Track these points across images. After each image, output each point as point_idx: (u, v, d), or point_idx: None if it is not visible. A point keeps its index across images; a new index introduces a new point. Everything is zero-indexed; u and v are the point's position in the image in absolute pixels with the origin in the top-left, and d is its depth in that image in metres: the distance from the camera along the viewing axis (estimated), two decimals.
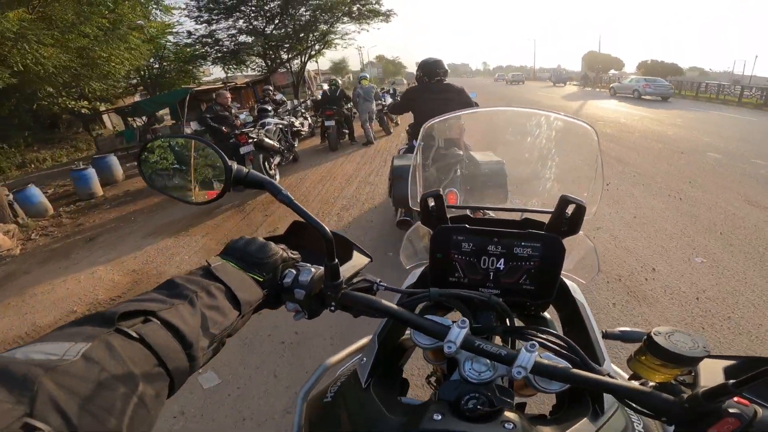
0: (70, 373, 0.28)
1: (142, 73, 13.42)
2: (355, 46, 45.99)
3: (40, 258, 4.20)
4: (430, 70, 3.51)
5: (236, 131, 5.34)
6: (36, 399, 0.25)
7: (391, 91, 10.46)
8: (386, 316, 0.54)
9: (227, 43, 16.15)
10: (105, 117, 14.93)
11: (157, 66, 14.18)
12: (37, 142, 12.41)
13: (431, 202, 0.65)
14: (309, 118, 9.73)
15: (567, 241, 0.61)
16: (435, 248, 0.64)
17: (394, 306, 0.53)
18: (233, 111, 6.01)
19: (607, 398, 0.52)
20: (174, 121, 12.30)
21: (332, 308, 0.55)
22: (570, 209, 0.63)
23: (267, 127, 6.18)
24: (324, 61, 61.36)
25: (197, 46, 15.43)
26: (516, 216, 0.74)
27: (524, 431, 0.44)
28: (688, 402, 0.40)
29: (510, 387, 0.58)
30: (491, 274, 0.63)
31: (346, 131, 8.57)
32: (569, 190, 0.66)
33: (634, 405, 0.44)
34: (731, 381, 0.36)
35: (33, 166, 10.92)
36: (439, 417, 0.46)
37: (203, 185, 0.62)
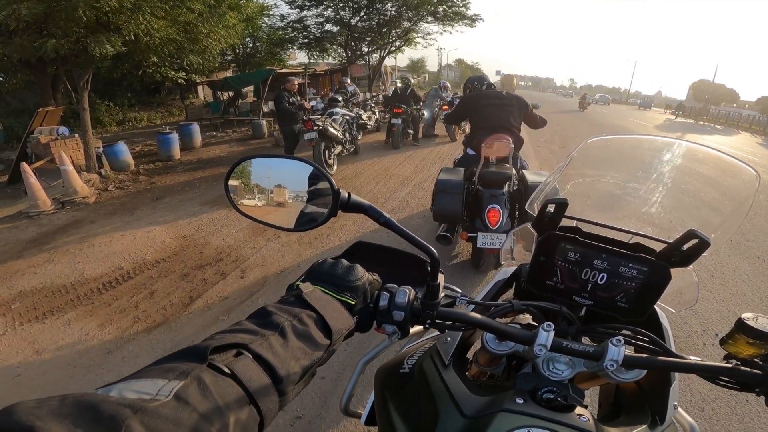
0: (159, 414, 0.27)
1: (237, 51, 14.44)
2: (436, 47, 45.51)
3: (109, 209, 4.58)
4: (479, 78, 3.74)
5: (304, 117, 5.50)
6: None
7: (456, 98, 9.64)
8: (478, 327, 0.57)
9: (314, 30, 16.82)
10: (199, 88, 16.32)
11: (250, 45, 15.19)
12: (139, 104, 13.92)
13: (550, 208, 0.65)
14: (377, 113, 9.68)
15: (673, 271, 0.61)
16: (540, 251, 0.65)
17: (485, 318, 0.56)
18: (308, 96, 6.24)
19: (669, 410, 0.56)
20: (255, 99, 13.11)
21: (427, 325, 0.57)
22: (690, 243, 0.61)
23: (334, 117, 6.23)
24: (402, 58, 61.60)
25: (288, 30, 16.27)
26: (624, 236, 0.73)
27: (597, 427, 0.49)
28: None
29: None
30: (590, 285, 0.64)
31: (411, 131, 8.36)
32: (693, 225, 0.63)
33: (724, 381, 0.52)
34: None
35: (130, 124, 12.25)
36: (522, 401, 0.50)
37: (303, 210, 0.57)
